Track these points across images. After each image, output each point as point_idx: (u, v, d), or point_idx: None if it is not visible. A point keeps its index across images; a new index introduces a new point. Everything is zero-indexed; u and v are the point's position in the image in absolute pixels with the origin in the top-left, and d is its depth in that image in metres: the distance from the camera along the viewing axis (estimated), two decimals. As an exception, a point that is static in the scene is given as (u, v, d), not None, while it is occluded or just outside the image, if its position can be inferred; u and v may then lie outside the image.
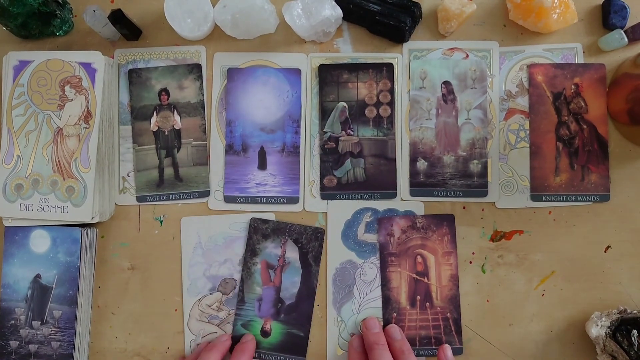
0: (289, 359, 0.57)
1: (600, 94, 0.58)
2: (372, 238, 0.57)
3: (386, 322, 0.56)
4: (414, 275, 0.57)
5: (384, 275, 0.57)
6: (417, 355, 0.56)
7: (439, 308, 0.56)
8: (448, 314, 0.56)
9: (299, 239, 0.57)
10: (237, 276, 0.57)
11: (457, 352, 0.56)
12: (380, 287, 0.57)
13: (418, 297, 0.57)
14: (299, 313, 0.57)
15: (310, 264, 0.57)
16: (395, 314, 0.56)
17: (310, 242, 0.57)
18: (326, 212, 0.58)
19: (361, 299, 0.57)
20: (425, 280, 0.57)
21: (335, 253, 0.57)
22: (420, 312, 0.56)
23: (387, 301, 0.57)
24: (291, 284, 0.57)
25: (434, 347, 0.56)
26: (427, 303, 0.56)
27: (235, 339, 0.56)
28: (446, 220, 0.57)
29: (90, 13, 0.55)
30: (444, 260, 0.57)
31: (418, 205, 0.58)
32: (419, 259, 0.57)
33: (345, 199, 0.58)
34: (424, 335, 0.56)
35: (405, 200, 0.58)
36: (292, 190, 0.58)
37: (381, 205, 0.58)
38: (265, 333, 0.57)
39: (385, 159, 0.58)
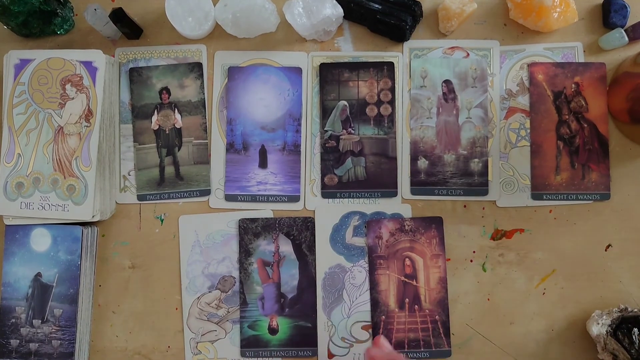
0: (301, 352, 0.57)
1: (601, 93, 0.58)
2: (360, 241, 0.57)
3: (375, 325, 0.56)
4: (403, 278, 0.57)
5: (373, 278, 0.57)
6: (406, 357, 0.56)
7: (427, 311, 0.56)
8: (437, 317, 0.56)
9: (290, 231, 0.57)
10: (236, 274, 0.57)
11: (445, 354, 0.56)
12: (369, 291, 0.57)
13: (407, 299, 0.56)
14: (302, 304, 0.57)
15: (306, 254, 0.57)
16: (383, 317, 0.56)
17: (301, 232, 0.57)
18: (313, 217, 0.58)
19: (351, 303, 0.57)
20: (414, 282, 0.57)
21: (324, 257, 0.57)
22: (409, 314, 0.56)
23: (376, 304, 0.57)
24: (290, 277, 0.57)
25: (422, 350, 0.56)
26: (416, 306, 0.56)
27: (244, 342, 0.56)
28: (434, 223, 0.57)
29: (91, 12, 0.55)
30: (432, 262, 0.57)
31: (406, 208, 0.58)
32: (408, 261, 0.57)
33: (345, 198, 0.58)
34: (413, 338, 0.56)
35: (406, 199, 0.58)
36: (293, 188, 0.58)
37: (372, 207, 0.58)
38: (273, 330, 0.57)
39: (386, 158, 0.58)
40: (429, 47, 0.59)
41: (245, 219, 0.57)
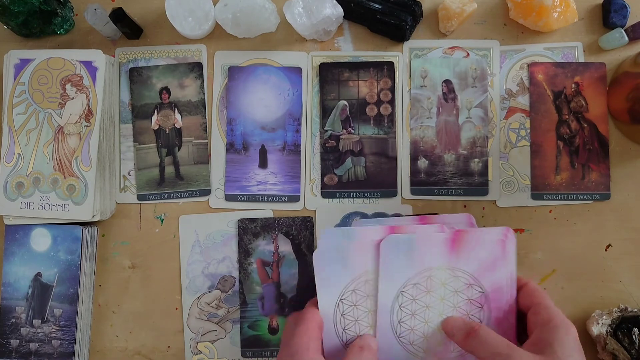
0: None
1: (601, 93, 0.58)
2: None
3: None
4: None
5: None
6: None
7: None
8: None
9: (290, 231, 0.57)
10: (236, 274, 0.57)
11: None
12: None
13: None
14: (303, 304, 0.57)
15: (305, 254, 0.57)
16: None
17: (301, 232, 0.57)
18: (315, 218, 0.58)
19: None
20: None
21: None
22: None
23: None
24: (290, 277, 0.57)
25: None
26: None
27: (244, 342, 0.56)
28: None
29: (91, 11, 0.55)
30: None
31: (407, 209, 0.58)
32: None
33: (345, 197, 0.58)
34: None
35: (406, 199, 0.58)
36: (293, 188, 0.58)
37: (372, 207, 0.58)
38: (273, 330, 0.57)
39: (386, 158, 0.58)
40: (429, 47, 0.59)
41: (244, 219, 0.57)
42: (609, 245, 0.57)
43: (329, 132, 0.59)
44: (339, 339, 0.46)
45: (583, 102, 0.58)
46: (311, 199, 0.58)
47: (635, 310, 0.54)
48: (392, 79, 0.59)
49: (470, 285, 0.44)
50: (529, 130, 0.58)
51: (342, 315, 0.45)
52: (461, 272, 0.44)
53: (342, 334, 0.46)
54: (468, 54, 0.59)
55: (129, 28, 0.57)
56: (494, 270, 0.44)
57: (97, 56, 0.56)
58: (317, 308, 0.45)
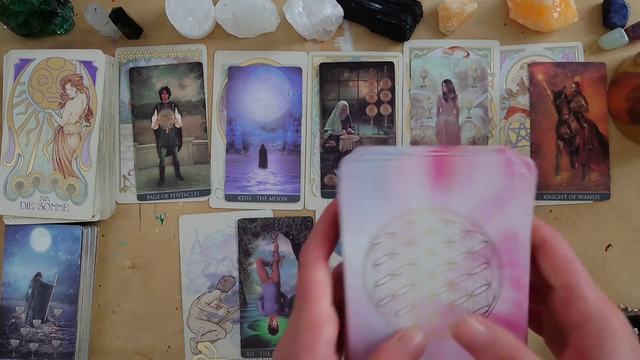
0: None
1: (601, 93, 0.58)
2: None
3: None
4: None
5: None
6: None
7: None
8: None
9: (289, 231, 0.57)
10: (236, 274, 0.57)
11: None
12: None
13: None
14: None
15: None
16: None
17: (301, 232, 0.57)
18: (314, 218, 0.58)
19: None
20: None
21: None
22: None
23: None
24: (290, 277, 0.57)
25: None
26: None
27: (244, 342, 0.56)
28: None
29: (91, 11, 0.55)
30: None
31: None
32: None
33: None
34: None
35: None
36: (293, 188, 0.58)
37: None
38: (273, 330, 0.57)
39: (386, 158, 0.58)
40: (429, 47, 0.59)
41: (244, 219, 0.57)
42: (609, 245, 0.57)
43: (329, 132, 0.59)
44: (368, 298, 0.32)
45: (583, 102, 0.58)
46: (311, 199, 0.58)
47: (635, 310, 0.54)
48: (392, 79, 0.59)
49: (469, 233, 0.31)
50: (529, 130, 0.58)
51: (374, 266, 0.32)
52: (453, 214, 0.31)
53: (372, 290, 0.32)
54: (468, 54, 0.59)
55: (129, 28, 0.57)
56: (500, 210, 0.30)
57: (97, 56, 0.56)
58: (326, 264, 0.33)
